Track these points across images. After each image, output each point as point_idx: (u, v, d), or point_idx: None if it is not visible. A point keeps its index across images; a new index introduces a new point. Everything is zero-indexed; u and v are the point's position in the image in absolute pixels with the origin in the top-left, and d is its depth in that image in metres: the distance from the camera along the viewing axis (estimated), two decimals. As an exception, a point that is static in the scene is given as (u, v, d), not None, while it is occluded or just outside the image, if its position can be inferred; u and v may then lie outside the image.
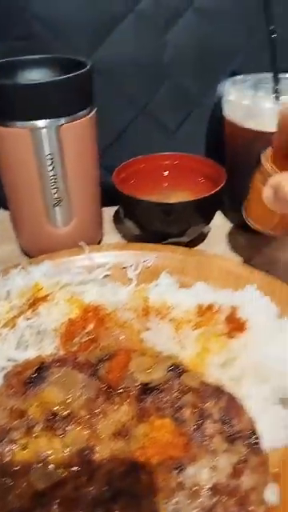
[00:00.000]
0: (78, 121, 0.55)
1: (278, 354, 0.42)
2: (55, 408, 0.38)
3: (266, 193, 0.43)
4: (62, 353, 0.43)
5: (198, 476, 0.34)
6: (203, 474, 0.34)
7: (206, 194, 0.60)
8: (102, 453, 0.36)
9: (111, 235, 0.72)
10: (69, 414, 0.37)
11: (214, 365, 0.42)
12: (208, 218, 0.66)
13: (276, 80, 0.61)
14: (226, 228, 0.72)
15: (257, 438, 0.36)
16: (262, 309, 0.48)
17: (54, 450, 0.36)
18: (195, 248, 0.67)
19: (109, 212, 0.75)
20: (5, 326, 0.45)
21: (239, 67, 0.69)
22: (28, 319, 0.45)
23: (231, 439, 0.35)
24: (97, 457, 0.35)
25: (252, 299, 0.49)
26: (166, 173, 0.70)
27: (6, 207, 0.67)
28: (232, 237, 0.70)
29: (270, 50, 0.63)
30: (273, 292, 0.52)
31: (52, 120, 0.53)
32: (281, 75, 0.62)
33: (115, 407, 0.38)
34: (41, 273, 0.51)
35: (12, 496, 0.33)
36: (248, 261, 0.64)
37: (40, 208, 0.59)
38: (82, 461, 0.35)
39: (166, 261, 0.59)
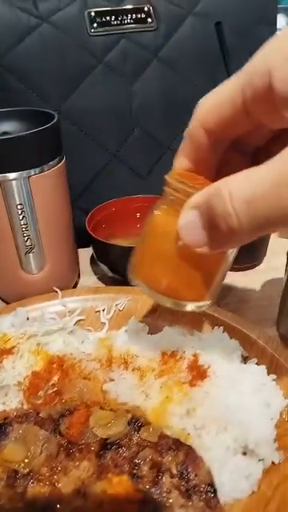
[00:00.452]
0: (48, 171, 0.57)
1: (238, 403, 0.42)
2: (16, 466, 0.38)
3: (185, 220, 0.31)
4: (26, 407, 0.43)
5: (155, 533, 0.34)
6: (160, 531, 0.34)
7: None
8: (62, 511, 0.36)
9: (88, 276, 0.73)
10: (30, 472, 0.38)
11: (176, 414, 0.42)
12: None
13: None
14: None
15: (214, 492, 0.36)
16: (225, 353, 0.48)
17: (15, 508, 0.36)
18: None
19: (86, 253, 0.76)
20: None
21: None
22: (-8, 373, 0.45)
23: (188, 494, 0.35)
24: (56, 515, 0.35)
25: (217, 343, 0.50)
26: (138, 215, 0.72)
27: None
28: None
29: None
30: (240, 332, 0.53)
31: (22, 172, 0.55)
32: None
33: (76, 463, 0.38)
34: (9, 323, 0.52)
35: None
36: (220, 300, 0.65)
37: (13, 255, 0.60)
38: (42, 520, 0.35)
39: (139, 303, 0.60)
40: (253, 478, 0.39)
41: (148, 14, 0.72)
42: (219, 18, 0.72)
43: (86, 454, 0.38)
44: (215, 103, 0.32)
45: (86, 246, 0.71)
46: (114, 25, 0.71)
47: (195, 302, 0.38)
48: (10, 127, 0.60)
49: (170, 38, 0.73)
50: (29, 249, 0.60)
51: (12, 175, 0.55)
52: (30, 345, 0.48)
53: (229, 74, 0.68)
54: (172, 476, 0.36)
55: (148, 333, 0.55)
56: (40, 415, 0.41)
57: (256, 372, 0.46)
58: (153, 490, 0.36)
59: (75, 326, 0.55)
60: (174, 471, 0.37)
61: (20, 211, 0.57)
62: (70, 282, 0.68)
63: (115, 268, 0.66)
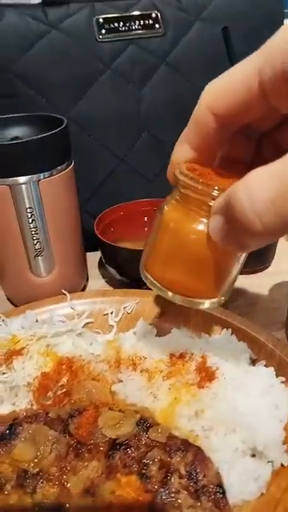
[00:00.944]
0: (57, 175, 0.58)
1: (247, 405, 0.42)
2: (26, 465, 0.38)
3: (215, 225, 0.30)
4: (35, 407, 0.44)
5: (164, 534, 0.34)
6: (168, 531, 0.34)
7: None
8: (71, 511, 0.36)
9: (96, 280, 0.74)
10: (39, 472, 0.38)
11: (184, 416, 0.42)
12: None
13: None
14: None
15: (223, 493, 0.36)
16: (234, 355, 0.48)
17: (24, 507, 0.37)
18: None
19: (95, 257, 0.76)
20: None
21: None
22: (2, 374, 0.46)
23: (197, 495, 0.36)
24: (66, 515, 0.36)
25: (226, 345, 0.50)
26: (145, 218, 0.72)
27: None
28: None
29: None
30: (248, 335, 0.53)
31: (31, 176, 0.56)
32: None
33: (85, 463, 0.38)
34: (18, 325, 0.52)
35: None
36: (228, 303, 0.65)
37: (22, 258, 0.61)
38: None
39: (147, 306, 0.60)
40: (262, 479, 0.39)
41: (156, 20, 0.73)
42: (226, 23, 0.73)
43: (95, 454, 0.39)
44: (227, 86, 0.30)
45: (93, 249, 0.72)
46: (122, 31, 0.72)
47: (207, 300, 0.37)
48: (20, 132, 0.61)
49: (178, 44, 0.73)
50: (38, 252, 0.60)
51: (22, 179, 0.55)
52: (39, 346, 0.48)
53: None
54: (181, 476, 0.37)
55: (156, 335, 0.55)
56: (49, 415, 0.42)
57: (264, 374, 0.46)
58: (161, 490, 0.36)
59: (84, 329, 0.56)
60: (183, 472, 0.37)
61: (30, 215, 0.57)
62: (78, 285, 0.69)
63: (123, 271, 0.66)
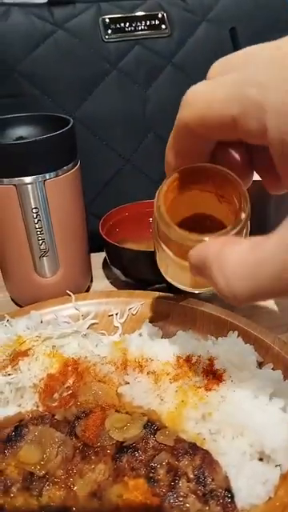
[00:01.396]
0: (63, 175, 0.58)
1: (254, 408, 0.42)
2: (32, 468, 0.38)
3: (192, 271, 0.33)
4: (41, 409, 0.43)
5: (172, 538, 0.33)
6: (177, 535, 0.34)
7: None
8: (77, 514, 0.36)
9: (100, 281, 0.73)
10: (45, 474, 0.38)
11: (191, 419, 0.42)
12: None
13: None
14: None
15: (231, 497, 0.36)
16: (241, 358, 0.48)
17: (30, 510, 0.36)
18: (181, 294, 0.68)
19: (98, 258, 0.76)
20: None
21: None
22: (8, 375, 0.46)
23: (205, 499, 0.35)
24: (72, 518, 0.35)
25: (232, 347, 0.50)
26: (151, 219, 0.72)
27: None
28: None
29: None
30: (254, 338, 0.53)
31: (37, 176, 0.55)
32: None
33: (91, 466, 0.38)
34: (24, 325, 0.52)
35: None
36: (233, 305, 0.65)
37: (27, 259, 0.60)
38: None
39: (152, 308, 0.60)
40: (270, 483, 0.39)
41: (162, 21, 0.73)
42: (232, 24, 0.73)
43: (102, 456, 0.38)
44: (203, 106, 0.29)
45: (98, 250, 0.72)
46: (128, 31, 0.72)
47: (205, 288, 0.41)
48: (25, 132, 0.61)
49: (184, 45, 0.73)
50: (43, 252, 0.60)
51: (28, 179, 0.55)
52: (45, 347, 0.48)
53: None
54: (188, 480, 0.36)
55: (161, 337, 0.55)
56: (55, 417, 0.41)
57: (272, 377, 0.46)
58: (169, 494, 0.35)
59: (89, 330, 0.56)
60: (191, 475, 0.36)
61: (35, 215, 0.57)
62: (82, 285, 0.68)
63: (128, 272, 0.66)
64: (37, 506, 0.36)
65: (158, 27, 0.73)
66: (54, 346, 0.49)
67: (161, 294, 0.62)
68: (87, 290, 0.70)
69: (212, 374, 0.45)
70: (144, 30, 0.72)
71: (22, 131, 0.61)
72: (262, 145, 0.28)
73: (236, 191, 0.34)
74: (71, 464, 0.38)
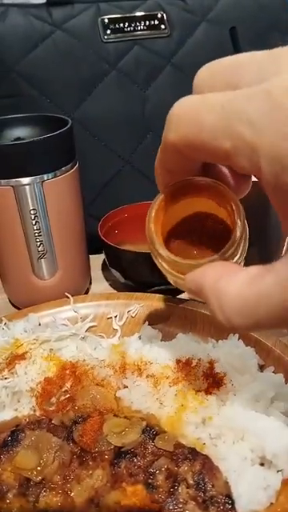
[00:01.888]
0: (61, 176, 0.57)
1: (255, 412, 0.41)
2: (28, 473, 0.37)
3: (189, 294, 0.32)
4: (38, 413, 0.43)
5: None
6: None
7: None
8: (75, 521, 0.35)
9: (99, 283, 0.73)
10: (42, 480, 0.37)
11: (191, 423, 0.41)
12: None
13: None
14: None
15: (232, 504, 0.35)
16: (242, 361, 0.47)
17: (27, 517, 0.36)
18: (181, 296, 0.68)
19: (98, 260, 0.75)
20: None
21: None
22: (5, 379, 0.45)
23: (205, 505, 0.34)
24: (69, 526, 0.34)
25: (233, 350, 0.49)
26: (150, 221, 0.71)
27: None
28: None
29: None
30: (255, 341, 0.52)
31: (35, 177, 0.55)
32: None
33: (89, 472, 0.37)
34: (21, 328, 0.51)
35: None
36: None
37: (25, 261, 0.60)
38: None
39: (151, 310, 0.59)
40: (271, 489, 0.38)
41: (161, 21, 0.72)
42: (232, 24, 0.72)
43: (100, 462, 0.37)
44: (195, 135, 0.26)
45: (96, 252, 0.71)
46: (128, 31, 0.71)
47: None
48: (23, 133, 0.61)
49: (184, 45, 0.72)
50: (41, 254, 0.59)
51: (25, 180, 0.55)
52: (42, 350, 0.47)
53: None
54: (188, 486, 0.35)
55: (161, 340, 0.54)
56: (53, 422, 0.41)
57: (273, 381, 0.45)
58: (169, 500, 0.35)
59: (87, 333, 0.55)
60: (191, 481, 0.36)
61: (33, 216, 0.56)
62: (81, 288, 0.68)
63: (127, 274, 0.65)
64: (33, 513, 0.35)
65: (157, 27, 0.72)
66: (51, 349, 0.48)
67: (160, 296, 0.61)
68: (86, 293, 0.70)
69: (212, 378, 0.44)
70: (143, 30, 0.72)
71: (20, 132, 0.61)
72: None
73: (229, 204, 0.32)
74: (68, 470, 0.37)
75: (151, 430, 0.39)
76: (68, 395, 0.44)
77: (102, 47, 0.70)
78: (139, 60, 0.71)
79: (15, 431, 0.40)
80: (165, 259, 0.33)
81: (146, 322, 0.56)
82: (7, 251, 0.60)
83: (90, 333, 0.55)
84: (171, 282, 0.40)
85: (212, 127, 0.25)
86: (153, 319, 0.58)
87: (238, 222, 0.32)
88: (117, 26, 0.71)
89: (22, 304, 0.64)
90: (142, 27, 0.72)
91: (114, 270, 0.67)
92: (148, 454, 0.37)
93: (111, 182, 0.73)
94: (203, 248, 0.35)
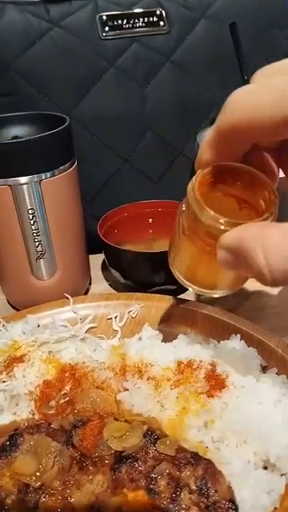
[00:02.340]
0: (59, 175, 0.56)
1: (258, 414, 0.40)
2: (27, 479, 0.36)
3: (222, 258, 0.33)
4: (37, 417, 0.42)
5: None
6: None
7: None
8: (75, 528, 0.34)
9: (99, 283, 0.72)
10: (41, 486, 0.36)
11: (193, 427, 0.40)
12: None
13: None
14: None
15: (235, 509, 0.34)
16: (244, 362, 0.46)
17: (26, 524, 0.35)
18: (181, 296, 0.67)
19: (98, 259, 0.75)
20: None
21: (217, 116, 0.71)
22: (2, 382, 0.44)
23: (208, 511, 0.34)
24: (69, 533, 0.34)
25: (235, 351, 0.48)
26: (150, 220, 0.71)
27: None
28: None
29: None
30: (258, 341, 0.51)
31: (33, 176, 0.54)
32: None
33: (89, 477, 0.36)
34: (19, 330, 0.50)
35: None
36: (236, 307, 0.63)
37: (23, 261, 0.59)
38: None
39: (152, 310, 0.59)
40: (275, 493, 0.37)
41: (160, 18, 0.71)
42: (231, 20, 0.71)
43: (100, 467, 0.37)
44: (253, 109, 0.30)
45: (95, 252, 0.70)
46: (126, 28, 0.70)
47: (219, 291, 0.42)
48: (21, 131, 0.60)
49: (183, 42, 0.71)
50: (40, 254, 0.59)
51: (23, 179, 0.54)
52: (41, 353, 0.47)
53: (243, 76, 0.68)
54: (191, 492, 0.35)
55: (162, 341, 0.53)
56: (52, 426, 0.40)
57: (276, 382, 0.44)
58: (171, 506, 0.34)
59: (87, 334, 0.54)
60: (193, 487, 0.35)
61: (31, 216, 0.56)
62: (81, 288, 0.67)
63: (127, 274, 0.64)
64: (32, 520, 0.35)
65: (156, 24, 0.71)
66: (50, 352, 0.47)
67: (161, 296, 0.60)
68: (85, 293, 0.69)
69: (214, 380, 0.43)
70: (142, 27, 0.71)
71: (18, 130, 0.60)
72: None
73: (264, 191, 0.35)
74: (68, 475, 0.36)
75: (152, 434, 0.38)
76: (67, 398, 0.43)
77: (100, 44, 0.69)
78: (138, 57, 0.70)
79: (14, 436, 0.39)
80: (208, 217, 0.33)
81: (147, 323, 0.55)
82: (5, 251, 0.59)
83: (90, 334, 0.54)
84: (184, 279, 0.43)
85: (271, 98, 0.29)
86: (153, 320, 0.57)
87: (273, 209, 0.34)
88: (115, 22, 0.70)
89: (20, 305, 0.63)
90: (140, 24, 0.71)
91: (113, 270, 0.66)
92: (149, 458, 0.37)
93: (110, 181, 0.72)
94: None
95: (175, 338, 0.53)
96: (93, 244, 0.67)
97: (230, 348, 0.49)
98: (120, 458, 0.37)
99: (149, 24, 0.71)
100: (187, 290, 0.68)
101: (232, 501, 0.34)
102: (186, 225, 0.37)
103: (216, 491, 0.35)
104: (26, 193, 0.54)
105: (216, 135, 0.34)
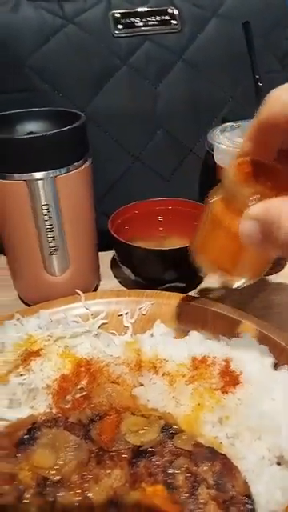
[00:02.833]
0: (74, 171, 0.56)
1: (272, 411, 0.41)
2: (46, 472, 0.37)
3: (246, 230, 0.33)
4: (54, 411, 0.42)
5: None
6: None
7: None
8: (93, 521, 0.35)
9: (108, 280, 0.72)
10: (60, 479, 0.36)
11: (208, 422, 0.41)
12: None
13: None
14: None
15: (252, 504, 0.34)
16: (257, 359, 0.47)
17: (44, 517, 0.35)
18: (191, 293, 0.67)
19: (106, 257, 0.75)
20: (-2, 382, 0.45)
21: (228, 114, 0.71)
22: (20, 375, 0.44)
23: (226, 506, 0.34)
24: (88, 526, 0.34)
25: (247, 348, 0.49)
26: (160, 218, 0.71)
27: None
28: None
29: (258, 98, 0.65)
30: (268, 339, 0.52)
31: (48, 172, 0.54)
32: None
33: (107, 471, 0.37)
34: (35, 325, 0.51)
35: None
36: (244, 305, 0.64)
37: (36, 257, 0.59)
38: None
39: (162, 308, 0.59)
40: (288, 489, 0.38)
41: (172, 16, 0.72)
42: (243, 19, 0.72)
43: (118, 461, 0.37)
44: None
45: (104, 249, 0.71)
46: (138, 26, 0.70)
47: (242, 279, 0.45)
48: (35, 127, 0.60)
49: (195, 40, 0.72)
50: (53, 250, 0.59)
51: (38, 175, 0.54)
52: (57, 347, 0.47)
53: (254, 75, 0.68)
54: (208, 487, 0.35)
55: (173, 337, 0.54)
56: (69, 420, 0.40)
57: (288, 379, 0.45)
58: (189, 501, 0.34)
59: (99, 330, 0.54)
60: (211, 481, 0.35)
61: (45, 212, 0.56)
62: (91, 285, 0.67)
63: (138, 271, 0.65)
64: (51, 512, 0.35)
65: (168, 22, 0.72)
66: (66, 346, 0.47)
67: (171, 293, 0.61)
68: (95, 290, 0.69)
69: (229, 376, 0.44)
70: (154, 25, 0.71)
71: (33, 126, 0.60)
72: None
73: None
74: (86, 469, 0.37)
75: (169, 429, 0.39)
76: (83, 393, 0.43)
77: (113, 42, 0.69)
78: (150, 55, 0.70)
79: (32, 429, 0.39)
80: (244, 194, 0.36)
81: (159, 320, 0.55)
82: (19, 247, 0.59)
83: (102, 330, 0.55)
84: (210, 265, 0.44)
85: None
86: (164, 317, 0.57)
87: None
88: (128, 20, 0.70)
89: (32, 301, 0.63)
90: (152, 22, 0.71)
91: (124, 267, 0.66)
92: (167, 453, 0.37)
93: (121, 179, 0.73)
94: None
95: (186, 334, 0.53)
96: (102, 241, 0.67)
97: (242, 345, 0.49)
98: (138, 452, 0.37)
99: (161, 22, 0.71)
100: (196, 287, 0.69)
101: (249, 496, 0.35)
102: (217, 210, 0.39)
103: (233, 486, 0.35)
104: (41, 188, 0.54)
105: (255, 127, 0.36)
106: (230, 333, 0.53)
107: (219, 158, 0.64)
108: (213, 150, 0.65)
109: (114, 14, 0.70)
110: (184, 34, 0.72)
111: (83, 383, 0.44)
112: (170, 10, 0.72)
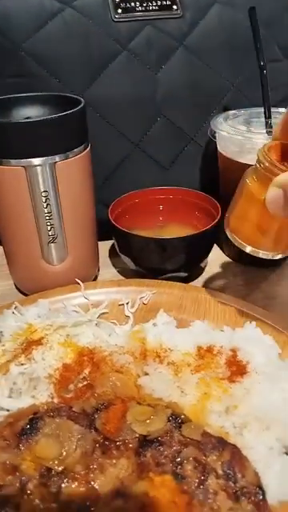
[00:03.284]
0: (73, 158, 0.55)
1: (280, 401, 0.40)
2: (49, 463, 0.36)
3: (271, 195, 0.36)
4: (56, 400, 0.41)
5: (202, 538, 0.31)
6: (207, 535, 0.32)
7: (201, 229, 0.60)
8: (99, 512, 0.33)
9: (108, 270, 0.71)
10: (64, 470, 0.35)
11: (215, 412, 0.40)
12: (204, 253, 0.65)
13: (268, 114, 0.62)
14: (223, 262, 0.71)
15: (263, 494, 0.34)
16: (263, 349, 0.46)
17: (49, 508, 0.34)
18: (192, 283, 0.66)
19: (105, 246, 0.74)
20: (-3, 371, 0.44)
21: (231, 102, 0.70)
22: (21, 365, 0.43)
23: (236, 496, 0.33)
24: (94, 517, 0.33)
25: (252, 338, 0.48)
26: (160, 207, 0.70)
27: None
28: (229, 271, 0.69)
29: (262, 86, 0.63)
30: (272, 329, 0.51)
31: (47, 157, 0.53)
32: (273, 109, 0.62)
33: (113, 461, 0.36)
34: (34, 313, 0.50)
35: None
36: (246, 296, 0.63)
37: (35, 245, 0.58)
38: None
39: (164, 297, 0.58)
40: (298, 480, 0.37)
41: (173, 1, 0.70)
42: (245, 6, 0.70)
43: (124, 451, 0.36)
44: None
45: (103, 238, 0.69)
46: (139, 11, 0.69)
47: (269, 253, 0.47)
48: (32, 112, 0.58)
49: (196, 26, 0.70)
50: (51, 238, 0.57)
51: (37, 161, 0.52)
52: (59, 336, 0.46)
53: (259, 61, 0.67)
54: (218, 477, 0.34)
55: (176, 327, 0.53)
56: (73, 409, 0.39)
57: (296, 369, 0.44)
58: (198, 491, 0.33)
59: (100, 319, 0.53)
60: (220, 471, 0.34)
61: (44, 199, 0.54)
62: (90, 274, 0.66)
63: (139, 260, 0.64)
64: (56, 504, 0.34)
65: (169, 7, 0.70)
66: (68, 335, 0.46)
67: (173, 283, 0.60)
68: (94, 279, 0.68)
69: (236, 366, 0.43)
70: (155, 10, 0.69)
71: (30, 112, 0.58)
72: None
73: None
74: (91, 459, 0.36)
75: (177, 419, 0.38)
76: (86, 382, 0.42)
77: (113, 26, 0.67)
78: (151, 41, 0.68)
79: (34, 419, 0.38)
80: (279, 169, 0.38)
81: (161, 309, 0.54)
82: (17, 235, 0.58)
83: (103, 319, 0.54)
84: (241, 241, 0.47)
85: None
86: (165, 306, 0.56)
87: None
88: (128, 5, 0.68)
89: (29, 290, 0.62)
90: (153, 7, 0.70)
91: (123, 256, 0.65)
92: (174, 443, 0.36)
93: (120, 167, 0.71)
94: None
95: (189, 324, 0.52)
96: (100, 231, 0.65)
97: (247, 335, 0.48)
98: (145, 442, 0.36)
99: (162, 7, 0.70)
100: (198, 277, 0.68)
101: (259, 486, 0.34)
102: (251, 186, 0.43)
103: (243, 476, 0.34)
104: (39, 174, 0.53)
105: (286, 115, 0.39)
106: (234, 323, 0.53)
107: (222, 146, 0.63)
108: (215, 138, 0.64)
109: (113, -3, 0.68)
110: (185, 20, 0.70)
111: (86, 372, 0.43)
112: (170, -5, 0.70)
